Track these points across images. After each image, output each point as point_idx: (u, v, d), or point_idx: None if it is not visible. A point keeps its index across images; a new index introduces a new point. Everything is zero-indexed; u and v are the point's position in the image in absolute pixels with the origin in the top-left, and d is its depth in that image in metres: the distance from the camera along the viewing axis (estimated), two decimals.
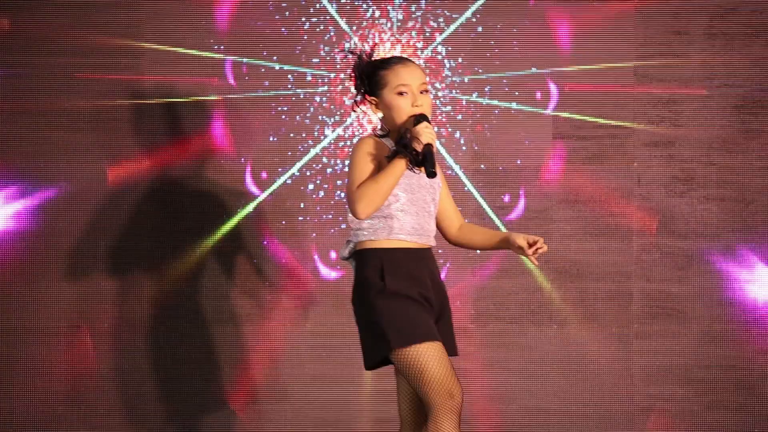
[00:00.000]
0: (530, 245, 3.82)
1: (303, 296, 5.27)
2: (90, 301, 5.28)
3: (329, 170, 5.31)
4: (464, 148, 5.28)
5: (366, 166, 3.73)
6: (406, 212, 3.77)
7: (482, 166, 5.27)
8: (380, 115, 3.85)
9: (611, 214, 5.24)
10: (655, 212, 5.22)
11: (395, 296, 3.71)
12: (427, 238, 3.82)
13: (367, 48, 4.02)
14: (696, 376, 5.16)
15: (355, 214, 3.69)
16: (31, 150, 5.29)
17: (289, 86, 5.34)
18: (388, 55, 3.93)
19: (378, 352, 3.72)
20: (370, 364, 3.78)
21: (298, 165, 5.33)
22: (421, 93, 3.78)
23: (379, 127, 3.87)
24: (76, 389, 5.28)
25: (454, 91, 5.30)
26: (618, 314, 5.20)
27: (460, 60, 5.29)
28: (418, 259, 3.78)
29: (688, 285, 5.18)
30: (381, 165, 3.73)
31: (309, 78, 5.35)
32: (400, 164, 3.70)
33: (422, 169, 3.71)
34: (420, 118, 3.74)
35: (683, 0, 5.21)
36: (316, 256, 5.27)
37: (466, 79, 5.30)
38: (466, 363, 5.17)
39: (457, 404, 3.67)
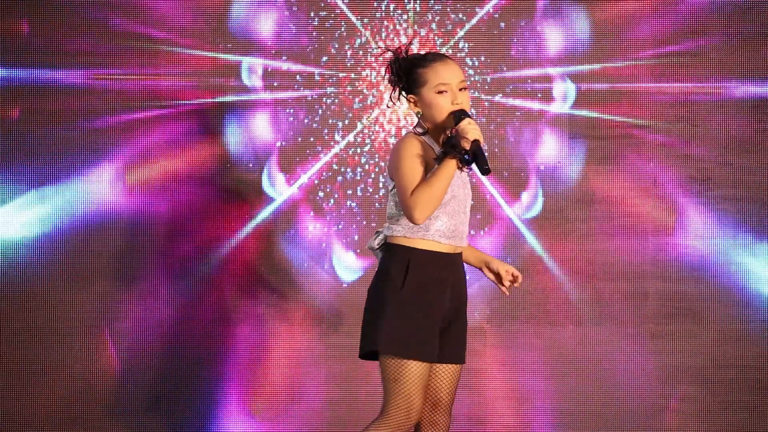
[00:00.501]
0: (511, 279, 3.88)
1: (318, 300, 5.26)
2: (107, 303, 5.26)
3: (339, 178, 5.28)
4: (490, 151, 5.20)
5: (416, 168, 3.69)
6: (446, 213, 3.76)
7: (505, 172, 5.25)
8: (419, 112, 3.80)
9: (627, 214, 5.23)
10: (671, 212, 5.22)
11: (408, 302, 3.72)
12: (459, 240, 3.80)
13: (396, 44, 3.96)
14: (711, 376, 5.19)
15: (412, 221, 3.67)
16: (47, 152, 5.27)
17: (297, 86, 5.28)
18: (423, 52, 3.89)
19: (369, 344, 3.77)
20: (361, 354, 3.82)
21: (309, 173, 5.29)
22: (460, 90, 3.75)
23: (416, 124, 3.82)
24: (93, 390, 5.26)
25: (476, 91, 5.27)
26: (634, 314, 5.21)
27: (483, 59, 5.26)
28: (446, 264, 3.77)
29: (704, 285, 5.20)
30: (428, 165, 3.71)
31: (317, 78, 5.30)
32: (451, 165, 3.66)
33: (464, 168, 3.69)
34: (460, 114, 3.71)
35: (699, 2, 5.21)
36: (331, 259, 5.25)
37: (488, 79, 5.27)
38: (481, 362, 5.18)
39: (408, 426, 3.73)
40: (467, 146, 3.63)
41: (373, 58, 5.27)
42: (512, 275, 3.88)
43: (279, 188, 5.29)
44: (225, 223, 5.27)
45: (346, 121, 5.29)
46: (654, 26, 5.22)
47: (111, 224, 5.26)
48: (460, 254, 3.83)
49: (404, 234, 3.76)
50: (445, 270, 3.76)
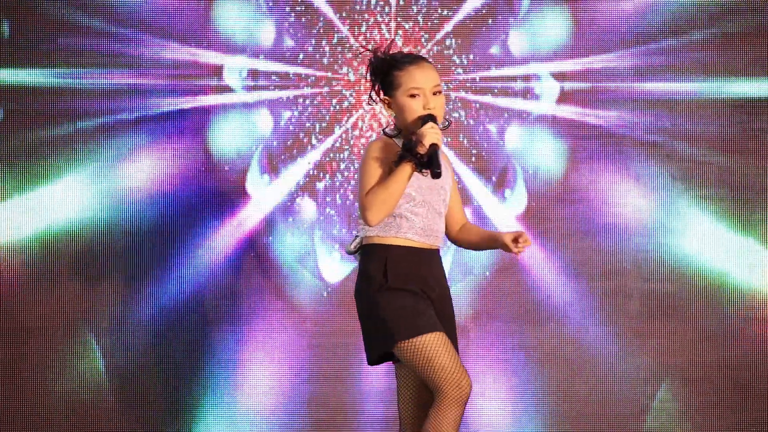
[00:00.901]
0: (515, 241, 3.81)
1: (302, 302, 5.24)
2: (90, 302, 5.24)
3: (319, 184, 5.25)
4: (474, 150, 5.24)
5: (375, 171, 3.71)
6: (417, 213, 3.75)
7: (492, 177, 5.23)
8: (393, 114, 3.81)
9: (609, 213, 5.23)
10: (652, 211, 5.22)
11: (397, 290, 3.71)
12: (434, 239, 3.80)
13: (377, 38, 3.93)
14: (692, 375, 5.22)
15: (366, 221, 3.69)
16: (30, 154, 5.23)
17: (272, 87, 5.22)
18: (406, 50, 3.87)
19: (381, 346, 3.73)
20: (374, 358, 3.78)
21: (290, 177, 5.25)
22: (434, 94, 3.75)
23: (392, 126, 3.82)
24: (76, 390, 5.24)
25: (463, 90, 5.22)
26: (616, 313, 5.22)
27: (471, 57, 5.22)
28: (423, 260, 3.77)
29: (685, 284, 5.21)
30: (391, 167, 3.71)
31: (292, 77, 5.23)
32: (406, 169, 3.67)
33: (424, 172, 3.69)
34: (426, 119, 3.71)
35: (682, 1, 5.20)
36: (316, 260, 5.24)
37: (477, 78, 5.22)
38: (463, 361, 5.13)
39: (465, 395, 3.68)
40: (423, 151, 3.64)
41: (351, 55, 5.22)
42: (515, 238, 3.81)
43: (261, 190, 5.24)
44: (206, 224, 5.23)
45: (324, 124, 5.23)
46: (636, 26, 5.20)
47: (93, 223, 5.23)
48: (436, 251, 3.81)
49: (378, 234, 3.76)
50: (424, 266, 3.76)
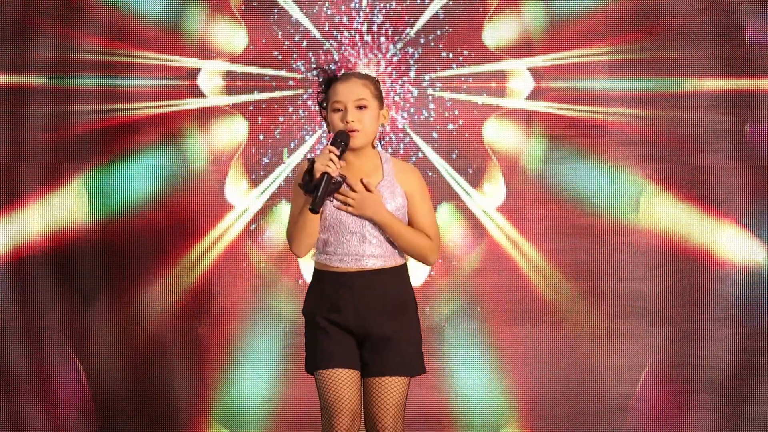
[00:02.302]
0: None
1: (282, 306, 5.24)
2: (70, 321, 5.25)
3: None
4: (454, 151, 5.22)
5: (294, 200, 3.74)
6: (329, 236, 3.73)
7: (469, 169, 5.22)
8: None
9: (584, 213, 5.23)
10: (627, 211, 5.22)
11: (309, 320, 3.77)
12: (355, 262, 3.73)
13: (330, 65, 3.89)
14: (667, 375, 5.23)
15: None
16: (5, 160, 5.21)
17: (248, 91, 5.22)
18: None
19: None
20: None
21: (269, 181, 5.25)
22: (359, 108, 3.68)
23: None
24: (50, 390, 5.24)
25: (444, 89, 5.23)
26: (590, 313, 5.23)
27: (455, 55, 5.22)
28: (339, 285, 3.73)
29: (660, 284, 5.21)
30: None
31: (246, 77, 5.23)
32: (305, 197, 3.67)
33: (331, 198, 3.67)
34: (335, 137, 3.64)
35: (655, 0, 5.17)
36: (298, 264, 5.25)
37: (455, 74, 5.23)
38: (439, 362, 5.19)
39: None
40: (317, 176, 3.58)
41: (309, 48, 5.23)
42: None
43: (240, 196, 5.24)
44: (187, 231, 5.23)
45: (281, 128, 5.23)
46: (610, 27, 5.18)
47: (71, 229, 5.22)
48: (362, 274, 3.74)
49: (315, 257, 3.79)
50: (342, 289, 3.71)
